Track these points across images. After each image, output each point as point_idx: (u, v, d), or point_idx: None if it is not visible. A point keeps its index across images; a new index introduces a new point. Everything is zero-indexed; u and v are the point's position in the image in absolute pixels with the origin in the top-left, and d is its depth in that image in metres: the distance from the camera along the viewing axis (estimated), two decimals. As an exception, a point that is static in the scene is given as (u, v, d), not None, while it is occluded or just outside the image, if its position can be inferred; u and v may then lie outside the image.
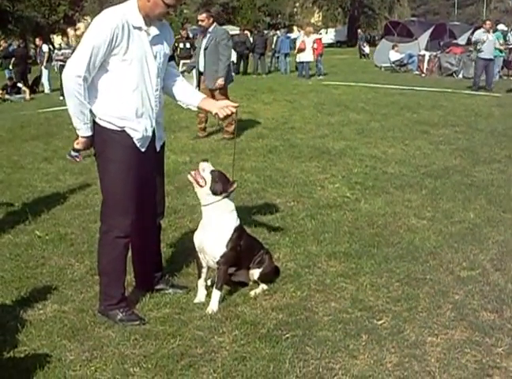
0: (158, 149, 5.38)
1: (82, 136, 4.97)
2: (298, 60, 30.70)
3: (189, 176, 5.43)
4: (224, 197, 5.41)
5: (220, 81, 13.00)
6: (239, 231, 5.53)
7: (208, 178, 5.35)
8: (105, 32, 4.74)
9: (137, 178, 5.07)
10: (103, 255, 5.24)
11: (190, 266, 6.22)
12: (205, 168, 5.38)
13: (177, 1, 5.14)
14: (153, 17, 4.99)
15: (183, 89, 5.55)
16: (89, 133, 4.95)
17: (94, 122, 4.99)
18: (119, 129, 4.97)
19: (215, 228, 5.44)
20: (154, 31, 5.02)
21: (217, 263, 5.44)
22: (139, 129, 5.04)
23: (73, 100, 4.79)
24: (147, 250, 5.61)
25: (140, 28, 4.92)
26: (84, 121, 4.86)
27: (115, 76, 4.91)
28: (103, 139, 5.00)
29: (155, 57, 5.06)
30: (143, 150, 5.11)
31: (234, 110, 5.47)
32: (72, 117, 4.89)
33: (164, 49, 5.20)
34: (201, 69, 13.14)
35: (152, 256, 5.71)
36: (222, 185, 5.37)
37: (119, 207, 5.07)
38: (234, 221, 5.53)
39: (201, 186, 5.39)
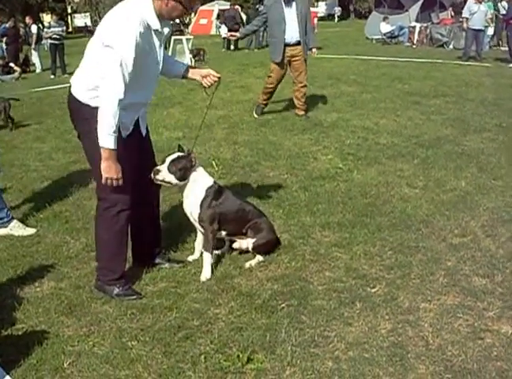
0: (144, 133, 5.39)
1: (104, 148, 4.76)
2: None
3: (156, 182, 5.48)
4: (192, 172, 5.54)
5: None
6: (213, 190, 5.62)
7: (170, 176, 5.40)
8: (131, 43, 4.64)
9: (136, 154, 5.09)
10: (105, 230, 5.24)
11: (185, 240, 6.27)
12: (163, 176, 5.40)
13: (194, 3, 5.14)
14: (168, 19, 4.98)
15: (167, 61, 5.49)
16: (111, 145, 4.74)
17: (82, 103, 4.92)
18: None
19: (190, 192, 5.59)
20: (166, 30, 4.99)
21: (200, 224, 5.61)
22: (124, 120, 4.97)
23: (108, 111, 4.68)
24: (149, 225, 5.68)
25: (157, 31, 4.89)
26: (108, 132, 4.69)
27: None
28: (94, 119, 4.80)
29: (160, 55, 5.07)
30: (123, 136, 5.01)
31: (216, 79, 5.54)
32: (102, 125, 4.70)
33: (164, 42, 5.23)
34: (291, 39, 12.33)
35: (152, 231, 5.76)
36: (185, 168, 5.45)
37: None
38: (206, 181, 5.64)
39: (172, 184, 5.52)
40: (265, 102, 13.15)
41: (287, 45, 12.24)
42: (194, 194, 5.57)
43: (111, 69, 4.67)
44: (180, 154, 5.50)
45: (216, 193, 5.63)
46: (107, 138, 4.71)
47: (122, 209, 5.13)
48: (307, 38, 12.43)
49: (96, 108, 4.76)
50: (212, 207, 5.57)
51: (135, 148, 5.12)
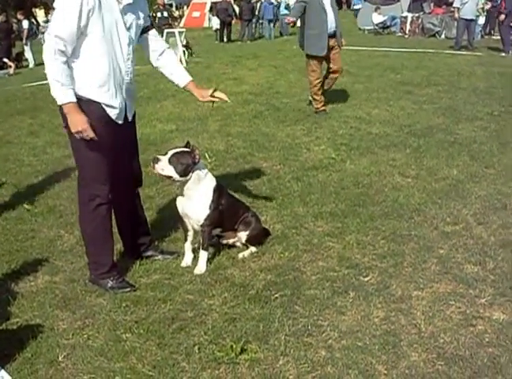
0: (130, 119, 5.29)
1: (62, 104, 4.73)
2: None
3: (156, 173, 5.42)
4: (194, 170, 5.41)
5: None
6: (218, 191, 5.56)
7: (171, 169, 5.28)
8: (75, 3, 4.60)
9: (113, 147, 5.03)
10: (87, 224, 5.25)
11: (178, 232, 6.26)
12: (163, 167, 5.29)
13: None
14: None
15: (171, 67, 5.52)
16: (65, 99, 4.70)
17: None
18: (93, 101, 4.87)
19: (195, 193, 5.45)
20: (126, 0, 4.91)
21: (201, 226, 5.51)
22: (115, 105, 4.99)
23: (53, 64, 4.66)
24: (129, 217, 5.66)
25: None
26: (57, 85, 4.66)
27: (85, 47, 4.78)
28: None
29: (125, 26, 4.95)
30: (120, 122, 5.08)
31: (218, 99, 5.62)
32: (51, 84, 4.70)
33: (137, 19, 5.09)
34: (331, 30, 11.62)
35: (135, 222, 5.75)
36: (187, 164, 5.31)
37: (98, 176, 5.04)
38: (211, 182, 5.55)
39: (172, 179, 5.39)
40: (322, 103, 12.22)
41: (328, 36, 11.63)
42: (201, 196, 5.46)
43: (50, 25, 4.74)
44: (185, 149, 5.43)
45: (220, 193, 5.59)
46: (59, 93, 4.69)
47: (101, 203, 5.12)
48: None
49: (76, 98, 4.78)
50: (218, 208, 5.53)
51: (116, 137, 5.06)
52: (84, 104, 4.83)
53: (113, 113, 5.00)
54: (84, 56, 4.81)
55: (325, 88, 12.44)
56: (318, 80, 12.05)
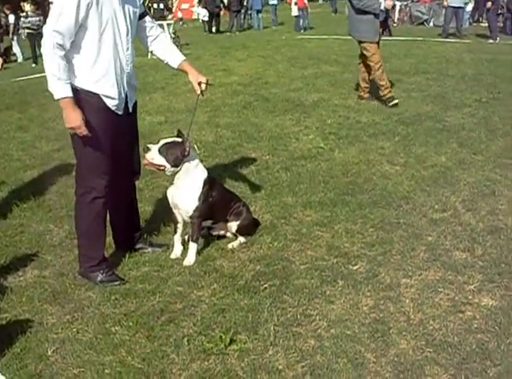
0: (130, 110, 5.28)
1: (59, 99, 4.70)
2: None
3: (147, 167, 5.48)
4: (185, 161, 5.42)
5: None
6: (209, 183, 5.54)
7: (162, 159, 5.31)
8: None
9: (112, 140, 5.02)
10: (81, 217, 5.24)
11: (167, 224, 6.26)
12: (153, 156, 5.32)
13: None
14: None
15: (164, 48, 5.51)
16: (61, 94, 4.67)
17: None
18: (93, 92, 4.86)
19: (185, 184, 5.46)
20: None
21: (190, 217, 5.50)
22: (114, 96, 4.97)
23: (51, 58, 4.63)
24: (124, 210, 5.65)
25: None
26: (54, 79, 4.64)
27: (85, 39, 4.77)
28: (76, 102, 4.80)
29: (125, 16, 4.94)
30: (120, 113, 5.07)
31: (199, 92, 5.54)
32: (48, 78, 4.68)
33: (134, 7, 5.09)
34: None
35: (130, 215, 5.74)
36: (177, 154, 5.33)
37: (95, 169, 5.02)
38: (202, 174, 5.54)
39: (163, 170, 5.40)
40: (389, 89, 11.50)
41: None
42: (189, 187, 5.47)
43: (49, 18, 4.70)
44: (176, 140, 5.43)
45: (211, 185, 5.58)
46: (56, 87, 4.68)
47: (97, 196, 5.11)
48: None
49: (75, 90, 4.76)
50: (207, 200, 5.52)
51: (116, 128, 5.05)
52: (83, 95, 4.83)
53: (112, 104, 4.98)
54: (84, 48, 4.81)
55: (364, 84, 12.16)
56: (380, 63, 11.51)
